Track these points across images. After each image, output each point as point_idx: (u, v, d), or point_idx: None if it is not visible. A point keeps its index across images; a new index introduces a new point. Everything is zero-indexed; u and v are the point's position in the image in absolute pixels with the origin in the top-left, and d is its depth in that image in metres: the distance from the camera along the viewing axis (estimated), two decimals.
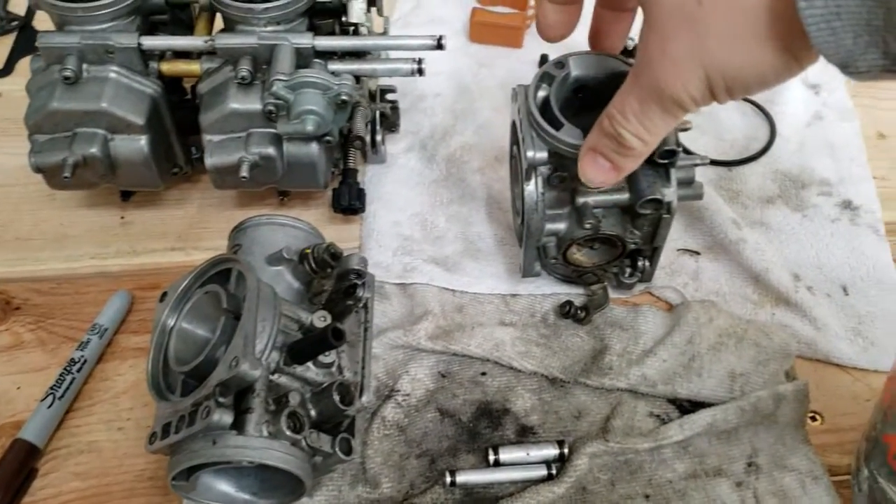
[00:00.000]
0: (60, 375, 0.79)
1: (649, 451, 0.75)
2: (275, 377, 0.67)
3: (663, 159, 0.73)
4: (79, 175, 0.80)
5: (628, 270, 0.84)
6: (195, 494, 0.69)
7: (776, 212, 0.92)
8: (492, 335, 0.82)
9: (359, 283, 0.76)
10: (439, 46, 0.80)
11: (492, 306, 0.86)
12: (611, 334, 0.83)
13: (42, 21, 1.11)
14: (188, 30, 0.85)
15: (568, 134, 0.70)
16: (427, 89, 1.02)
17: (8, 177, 0.96)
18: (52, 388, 0.78)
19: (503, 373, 0.81)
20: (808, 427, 0.78)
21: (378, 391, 0.80)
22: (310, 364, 0.69)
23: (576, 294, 0.86)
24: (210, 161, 0.80)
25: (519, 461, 0.75)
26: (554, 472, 0.74)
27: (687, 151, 0.95)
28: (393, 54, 0.86)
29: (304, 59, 0.79)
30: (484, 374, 0.81)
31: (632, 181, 0.75)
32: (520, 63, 1.07)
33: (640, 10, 0.56)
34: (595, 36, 0.73)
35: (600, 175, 0.65)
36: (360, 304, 0.77)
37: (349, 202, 0.84)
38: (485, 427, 0.78)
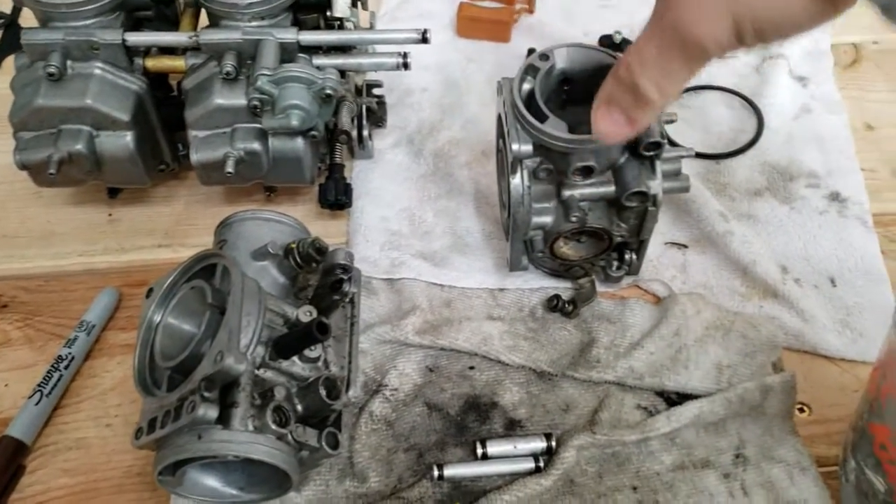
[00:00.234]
0: (48, 372, 0.79)
1: (637, 444, 0.75)
2: (260, 372, 0.67)
3: (648, 151, 0.73)
4: (64, 172, 0.80)
5: (615, 264, 0.84)
6: (182, 489, 0.69)
7: (764, 204, 0.92)
8: (479, 329, 0.82)
9: (345, 277, 0.76)
10: (424, 40, 0.80)
11: (480, 301, 0.86)
12: (598, 327, 0.83)
13: (28, 19, 1.11)
14: (173, 26, 0.84)
15: (553, 126, 0.70)
16: (414, 84, 1.02)
17: None
18: (39, 385, 0.78)
19: (491, 367, 0.81)
20: (796, 418, 0.78)
21: (366, 386, 0.80)
22: (295, 359, 0.69)
23: (563, 288, 0.86)
24: (195, 157, 0.80)
25: (507, 454, 0.75)
26: (541, 464, 0.74)
27: (672, 143, 0.96)
28: (379, 49, 0.86)
29: (288, 53, 0.79)
30: (472, 368, 0.81)
31: (617, 174, 0.75)
32: (508, 57, 1.07)
33: None
34: None
35: (613, 129, 0.59)
36: (347, 299, 0.77)
37: (336, 197, 0.84)
38: (472, 421, 0.78)
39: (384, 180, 0.94)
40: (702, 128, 0.99)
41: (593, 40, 1.00)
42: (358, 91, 0.89)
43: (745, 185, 0.94)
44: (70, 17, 0.78)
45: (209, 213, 0.92)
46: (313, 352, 0.70)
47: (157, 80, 0.85)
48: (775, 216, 0.91)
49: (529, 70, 0.73)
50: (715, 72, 1.04)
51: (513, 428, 0.77)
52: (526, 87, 0.73)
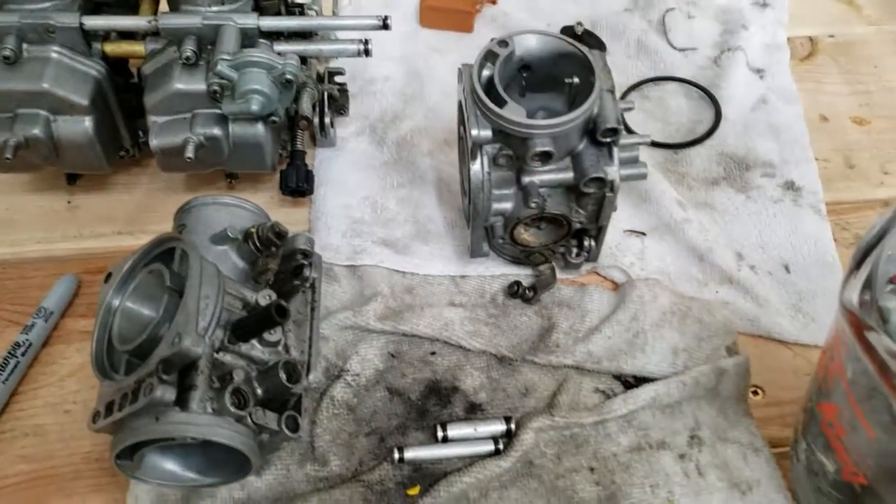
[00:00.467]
0: (4, 359, 0.78)
1: (594, 426, 0.76)
2: (219, 355, 0.67)
3: (606, 137, 0.74)
4: (21, 157, 0.79)
5: (575, 250, 0.85)
6: (140, 473, 0.69)
7: (721, 193, 0.94)
8: (441, 315, 0.82)
9: (305, 263, 0.76)
10: (385, 27, 0.80)
11: (441, 287, 0.87)
12: (558, 313, 0.84)
13: None
14: (133, 10, 0.84)
15: (511, 112, 0.71)
16: (377, 73, 1.02)
17: None
18: None
19: (452, 352, 0.82)
20: (750, 401, 0.80)
21: (327, 372, 0.80)
22: (255, 342, 0.69)
23: (524, 275, 0.87)
24: (155, 142, 0.80)
25: (467, 437, 0.76)
26: (501, 447, 0.75)
27: (629, 130, 0.97)
28: (341, 36, 0.86)
29: (249, 39, 0.79)
30: (433, 353, 0.82)
31: (576, 160, 0.76)
32: (471, 48, 1.05)
33: None
34: None
35: None
36: (308, 284, 0.77)
37: (297, 184, 0.84)
38: (434, 405, 0.78)
39: (346, 168, 0.94)
40: (661, 118, 1.01)
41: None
42: (320, 78, 0.89)
43: (702, 175, 0.95)
44: (26, 0, 0.77)
45: (170, 201, 0.91)
46: (273, 335, 0.70)
47: (117, 66, 0.85)
48: (732, 205, 0.93)
49: (489, 56, 0.74)
50: (674, 63, 1.05)
51: (473, 412, 0.78)
52: (485, 73, 0.74)
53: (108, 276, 0.73)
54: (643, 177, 0.80)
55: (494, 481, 0.73)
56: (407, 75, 1.03)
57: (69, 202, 0.92)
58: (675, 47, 1.07)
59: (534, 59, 0.76)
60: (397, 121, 0.98)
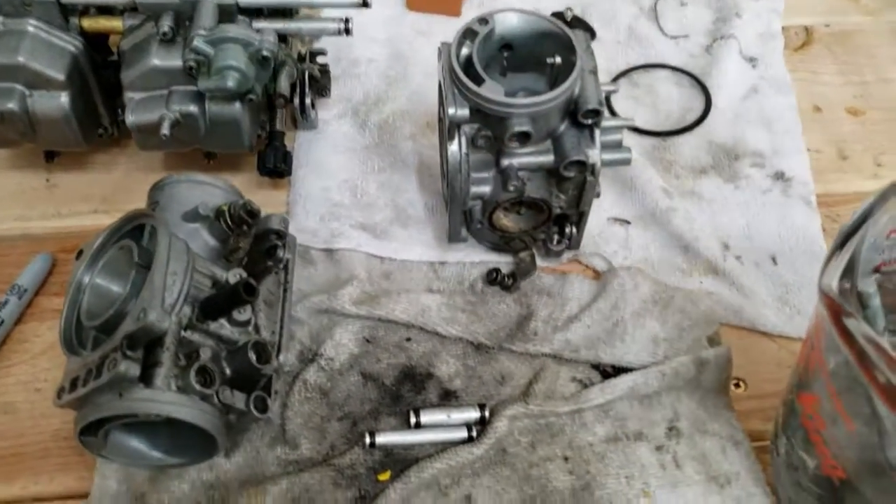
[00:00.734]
0: None
1: (570, 415, 0.75)
2: (187, 333, 0.66)
3: (587, 119, 0.72)
4: None
5: (556, 237, 0.83)
6: (106, 452, 0.68)
7: (708, 182, 0.92)
8: (417, 301, 0.81)
9: (279, 243, 0.75)
10: (365, 4, 0.79)
11: (420, 273, 0.85)
12: (537, 301, 0.82)
13: None
14: None
15: (489, 90, 0.69)
16: (361, 55, 1.01)
17: None
18: None
19: (428, 338, 0.80)
20: (732, 393, 0.78)
21: (301, 356, 0.79)
22: (224, 322, 0.68)
23: (505, 262, 0.85)
24: (131, 119, 0.79)
25: (440, 423, 0.74)
26: (474, 434, 0.73)
27: (613, 113, 0.95)
28: (323, 15, 0.85)
29: (227, 16, 0.78)
30: (409, 339, 0.80)
31: (556, 142, 0.74)
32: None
33: None
34: None
35: None
36: (281, 265, 0.76)
37: (274, 164, 0.83)
38: (408, 391, 0.77)
39: (327, 151, 0.93)
40: (651, 106, 0.99)
41: None
42: (301, 58, 0.87)
43: (690, 163, 0.94)
44: None
45: (149, 180, 0.88)
46: (242, 315, 0.69)
47: (96, 43, 0.84)
48: (719, 194, 0.91)
49: (468, 34, 0.72)
50: (665, 51, 1.04)
51: (448, 399, 0.77)
52: (464, 51, 0.73)
53: (80, 252, 0.72)
54: (627, 162, 0.79)
55: (466, 468, 0.72)
56: (391, 58, 1.02)
57: (48, 180, 0.92)
58: (666, 34, 1.05)
59: (515, 38, 0.74)
60: (380, 103, 0.97)
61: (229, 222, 0.71)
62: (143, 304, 0.63)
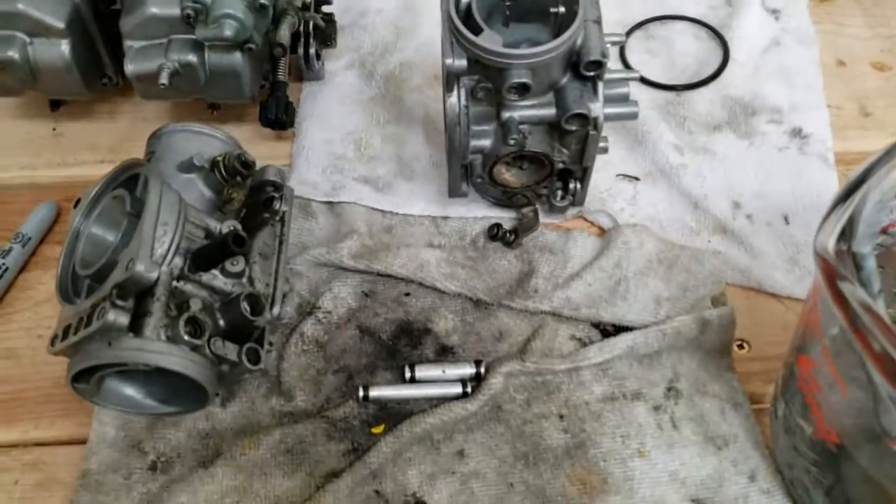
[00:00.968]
0: None
1: (567, 373, 0.74)
2: (180, 284, 0.66)
3: (589, 71, 0.70)
4: None
5: (560, 193, 0.82)
6: (100, 398, 0.69)
7: (722, 139, 0.89)
8: (417, 256, 0.80)
9: (276, 195, 0.75)
10: None
11: (422, 228, 0.84)
12: (539, 258, 0.81)
13: None
14: None
15: (487, 40, 0.67)
16: (370, 5, 0.99)
17: None
18: None
19: (427, 294, 0.80)
20: (735, 354, 0.76)
21: (300, 308, 0.79)
22: (217, 273, 0.68)
23: (509, 218, 0.84)
24: (130, 68, 0.79)
25: (435, 378, 0.74)
26: (469, 390, 0.73)
27: (628, 66, 0.93)
28: None
29: None
30: (408, 294, 0.80)
31: (558, 95, 0.72)
32: None
33: None
34: None
35: None
36: (277, 217, 0.76)
37: (276, 115, 0.82)
38: (404, 346, 0.77)
39: (333, 102, 0.92)
40: (666, 59, 0.96)
41: None
42: (305, 7, 0.86)
43: (704, 119, 0.91)
44: None
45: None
46: (235, 266, 0.69)
47: None
48: (733, 151, 0.88)
49: None
50: (684, 2, 1.00)
51: (444, 354, 0.76)
52: (464, 0, 0.70)
53: (78, 201, 0.72)
54: (633, 116, 0.76)
55: (460, 423, 0.72)
56: (400, 7, 0.99)
57: (55, 129, 0.92)
58: None
59: None
60: (387, 54, 0.95)
61: (223, 173, 0.71)
62: (132, 254, 0.63)
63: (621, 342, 0.74)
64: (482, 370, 0.74)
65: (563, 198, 0.82)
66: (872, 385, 0.51)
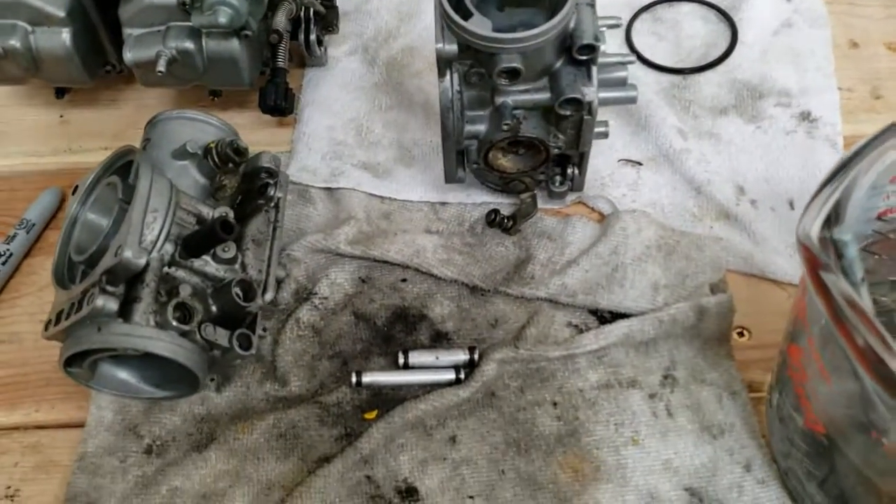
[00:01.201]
0: None
1: (562, 360, 0.74)
2: (171, 270, 0.67)
3: (582, 55, 0.69)
4: (1, 68, 0.79)
5: (558, 179, 0.81)
6: (95, 383, 0.70)
7: (728, 123, 0.88)
8: (413, 242, 0.80)
9: (270, 181, 0.75)
10: None
11: (420, 214, 0.84)
12: (537, 244, 0.80)
13: None
14: None
15: (476, 24, 0.67)
16: None
17: None
18: None
19: (424, 280, 0.79)
20: (735, 342, 0.75)
21: (297, 294, 0.79)
22: (209, 259, 0.69)
23: (508, 204, 0.83)
24: (128, 55, 0.79)
25: (428, 365, 0.74)
26: (462, 376, 0.73)
27: (634, 50, 0.91)
28: None
29: None
30: (405, 280, 0.80)
31: (552, 80, 0.71)
32: None
33: None
34: None
35: None
36: (271, 204, 0.76)
37: (275, 101, 0.82)
38: (399, 331, 0.77)
39: (335, 89, 0.92)
40: (673, 41, 0.94)
41: None
42: None
43: (710, 103, 0.89)
44: None
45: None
46: (227, 252, 0.69)
47: None
48: (739, 135, 0.87)
49: None
50: None
51: (439, 340, 0.76)
52: None
53: (76, 188, 0.73)
54: (631, 101, 0.75)
55: (453, 410, 0.71)
56: None
57: (61, 116, 0.93)
58: None
59: None
60: (390, 39, 0.95)
61: (216, 160, 0.71)
62: (121, 240, 0.64)
63: (616, 329, 0.74)
64: (476, 357, 0.74)
65: (561, 183, 0.81)
66: (858, 378, 0.50)
